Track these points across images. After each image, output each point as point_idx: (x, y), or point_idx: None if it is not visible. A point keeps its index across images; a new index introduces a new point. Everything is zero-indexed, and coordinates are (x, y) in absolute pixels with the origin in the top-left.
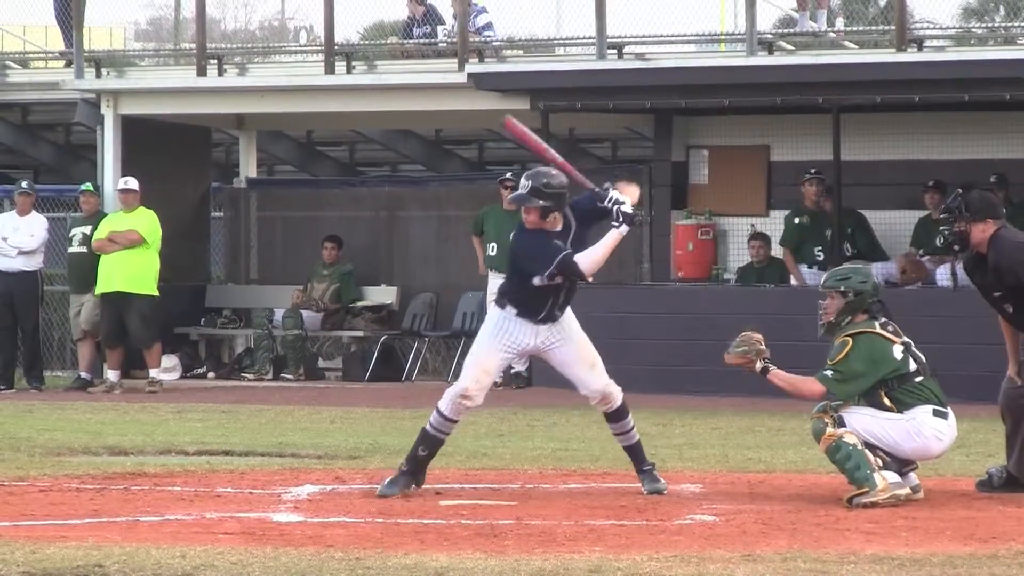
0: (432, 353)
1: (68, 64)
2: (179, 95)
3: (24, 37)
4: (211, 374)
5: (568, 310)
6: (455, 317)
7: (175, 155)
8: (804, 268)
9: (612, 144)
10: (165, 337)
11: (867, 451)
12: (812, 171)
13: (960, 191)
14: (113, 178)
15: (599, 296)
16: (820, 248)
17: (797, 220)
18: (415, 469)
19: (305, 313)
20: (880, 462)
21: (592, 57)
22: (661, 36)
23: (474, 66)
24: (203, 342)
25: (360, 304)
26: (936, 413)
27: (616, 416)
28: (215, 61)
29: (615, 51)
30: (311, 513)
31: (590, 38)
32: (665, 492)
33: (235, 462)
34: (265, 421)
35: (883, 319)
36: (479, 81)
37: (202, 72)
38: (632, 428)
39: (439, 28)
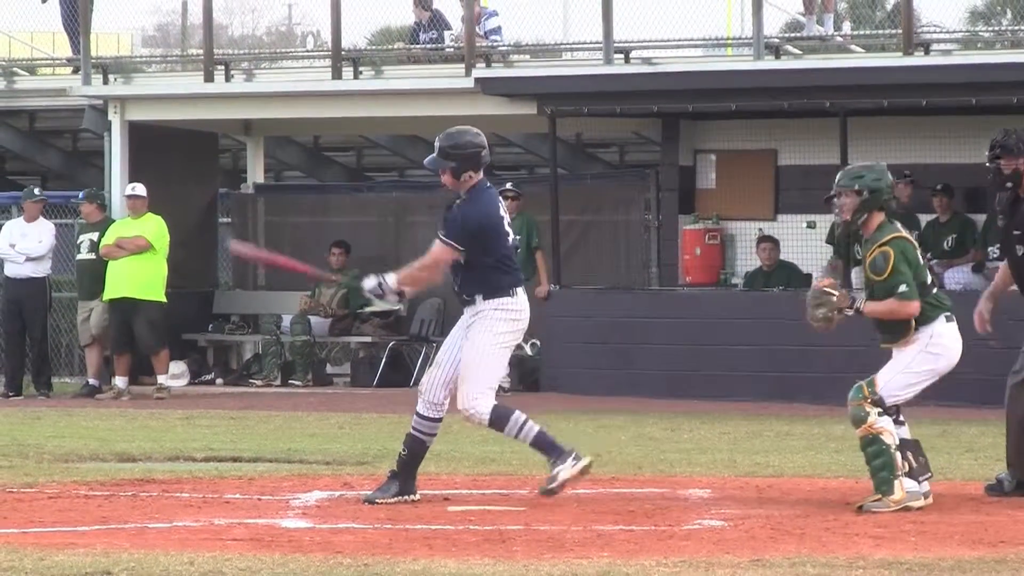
0: None
1: (75, 71)
2: (186, 101)
3: (31, 44)
4: (219, 380)
5: (477, 317)
6: None
7: (182, 161)
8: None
9: (619, 149)
10: (173, 343)
11: (898, 454)
12: (906, 173)
13: (1006, 129)
14: (121, 184)
15: (607, 300)
16: None
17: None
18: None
19: (313, 319)
20: (907, 466)
21: (599, 62)
22: (668, 40)
23: (481, 71)
24: (211, 348)
25: (368, 310)
26: (947, 319)
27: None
28: (222, 67)
29: (622, 56)
30: (319, 519)
31: (597, 43)
32: (554, 491)
33: (243, 468)
34: (273, 427)
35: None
36: (486, 86)
37: (209, 78)
38: (517, 434)
39: (446, 33)
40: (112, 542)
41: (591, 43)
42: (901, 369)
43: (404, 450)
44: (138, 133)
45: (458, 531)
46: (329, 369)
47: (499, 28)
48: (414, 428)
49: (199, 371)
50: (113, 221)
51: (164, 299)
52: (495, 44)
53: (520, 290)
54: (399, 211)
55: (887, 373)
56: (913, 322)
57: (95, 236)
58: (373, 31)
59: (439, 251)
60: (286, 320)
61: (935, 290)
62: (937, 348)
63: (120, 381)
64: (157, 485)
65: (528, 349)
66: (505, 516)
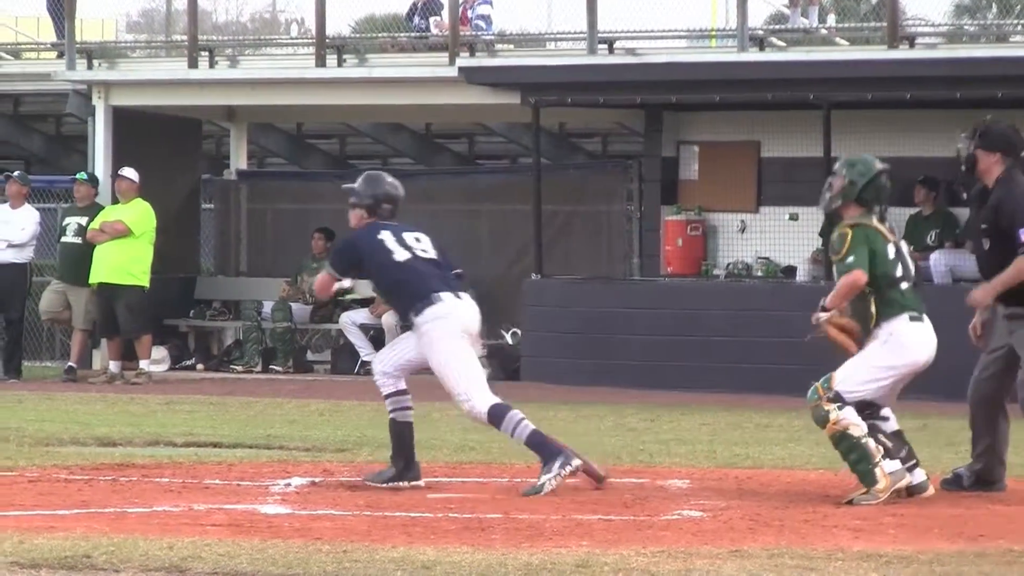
0: None
1: (60, 55)
2: (170, 87)
3: (16, 28)
4: (200, 366)
5: (418, 335)
6: None
7: (166, 147)
8: None
9: (602, 139)
10: (155, 329)
11: (870, 441)
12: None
13: (991, 119)
14: (104, 169)
15: (588, 291)
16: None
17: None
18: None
19: (294, 306)
20: (881, 449)
21: (583, 52)
22: (652, 32)
23: (465, 60)
24: (192, 334)
25: (349, 297)
26: (912, 319)
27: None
28: (206, 53)
29: (606, 46)
30: (299, 505)
31: (581, 33)
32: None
33: (223, 454)
34: (253, 413)
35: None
36: (470, 75)
37: (193, 64)
38: (512, 432)
39: (431, 20)
40: (92, 526)
41: (575, 33)
42: (859, 363)
43: (391, 438)
44: (122, 118)
45: (437, 519)
46: (310, 356)
47: (488, 17)
48: (388, 412)
49: (180, 356)
50: (102, 207)
51: (144, 284)
52: (480, 33)
53: (443, 294)
54: None
55: (847, 367)
56: (874, 315)
57: (83, 220)
58: (357, 19)
59: (319, 279)
60: (267, 306)
61: (906, 287)
62: (895, 345)
63: (113, 365)
64: (137, 470)
65: (509, 338)
66: (484, 504)
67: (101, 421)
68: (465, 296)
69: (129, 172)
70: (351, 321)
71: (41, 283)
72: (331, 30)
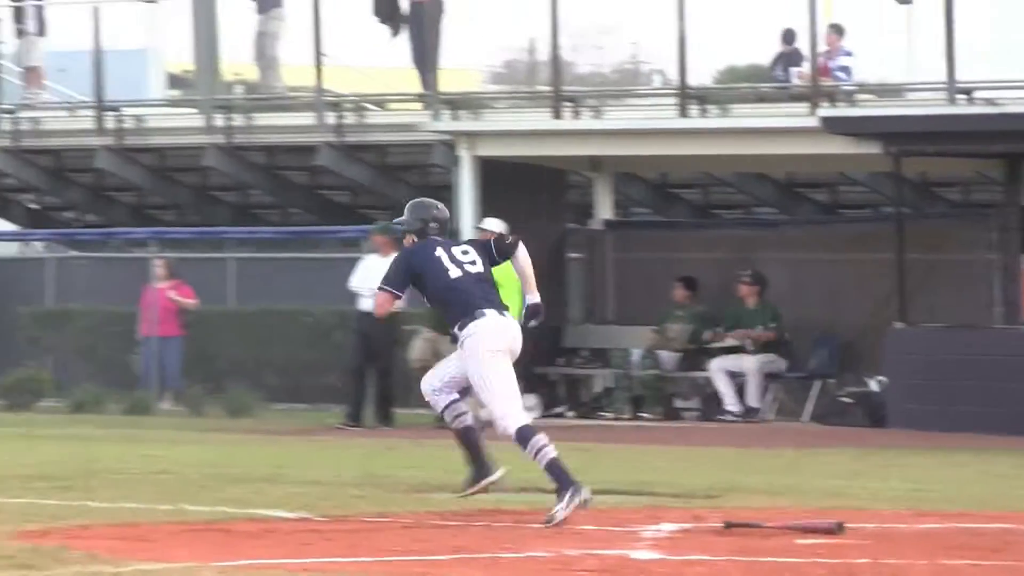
0: (786, 394)
1: (425, 107)
2: (534, 137)
3: (382, 80)
4: (570, 413)
5: (460, 348)
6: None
7: (531, 196)
8: None
9: (963, 188)
10: (524, 376)
11: None
12: None
13: None
14: (471, 219)
15: (952, 339)
16: None
17: None
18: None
19: (662, 353)
20: None
21: (942, 101)
22: (1012, 82)
23: (826, 110)
24: (561, 381)
25: (716, 345)
26: None
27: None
28: (569, 103)
29: (965, 95)
30: (670, 551)
31: (940, 83)
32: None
33: (593, 499)
34: (623, 459)
35: None
36: (831, 125)
37: (557, 115)
38: (535, 456)
39: (792, 71)
40: (466, 572)
41: (934, 83)
42: None
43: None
44: (486, 168)
45: (806, 564)
46: (679, 403)
47: (849, 68)
48: (450, 425)
49: (550, 403)
50: None
51: None
52: (840, 83)
53: (486, 311)
54: (745, 247)
55: None
56: None
57: None
58: (719, 70)
59: (378, 299)
60: (635, 354)
61: None
62: None
63: (483, 412)
64: (510, 515)
65: (875, 386)
66: (852, 549)
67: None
68: (508, 314)
69: (491, 224)
70: (720, 368)
71: (410, 332)
72: (693, 80)
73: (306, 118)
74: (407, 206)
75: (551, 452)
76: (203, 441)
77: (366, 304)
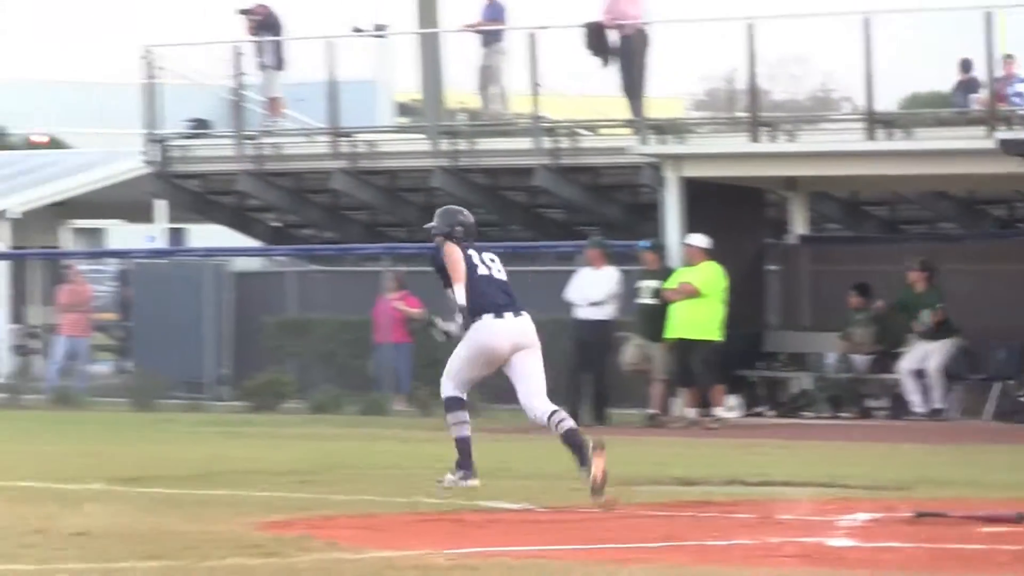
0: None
1: (634, 131)
2: (734, 159)
3: (594, 107)
4: (770, 412)
5: (472, 325)
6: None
7: (731, 214)
8: None
9: None
10: (725, 379)
11: None
12: None
13: None
14: (677, 235)
15: None
16: None
17: None
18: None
19: (854, 357)
20: None
21: None
22: None
23: (1003, 133)
24: (761, 383)
25: (903, 350)
26: None
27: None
28: (766, 128)
29: None
30: (864, 538)
31: None
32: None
33: (793, 492)
34: (819, 455)
35: None
36: (1007, 147)
37: (754, 138)
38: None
39: (971, 97)
40: (676, 558)
41: None
42: None
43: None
44: (690, 188)
45: (992, 550)
46: (870, 403)
47: (1023, 94)
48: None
49: (751, 404)
50: (671, 269)
51: (718, 338)
52: (1016, 108)
53: (504, 314)
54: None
55: None
56: None
57: (655, 283)
58: (903, 96)
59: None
60: (830, 357)
61: None
62: None
63: (690, 412)
64: (715, 507)
65: None
66: None
67: (680, 463)
68: (524, 315)
69: (694, 239)
70: (907, 370)
71: (622, 338)
72: (879, 106)
73: (524, 142)
74: (437, 212)
75: (465, 431)
76: (433, 439)
77: (582, 313)
